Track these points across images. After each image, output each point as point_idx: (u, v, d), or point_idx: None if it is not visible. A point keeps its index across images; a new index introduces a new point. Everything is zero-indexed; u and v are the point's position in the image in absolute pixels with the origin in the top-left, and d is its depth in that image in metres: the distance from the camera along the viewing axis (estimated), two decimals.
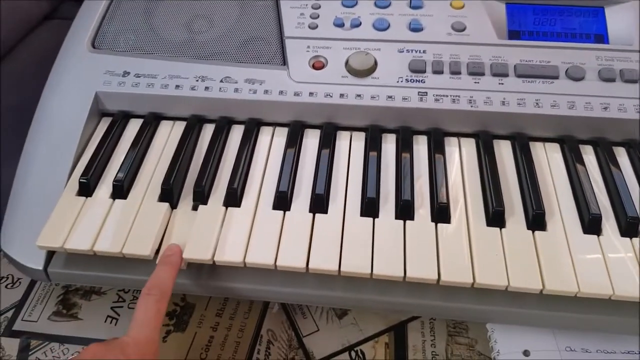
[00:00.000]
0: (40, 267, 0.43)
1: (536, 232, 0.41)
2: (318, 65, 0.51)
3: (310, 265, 0.40)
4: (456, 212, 0.43)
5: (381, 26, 0.53)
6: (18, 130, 0.50)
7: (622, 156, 0.47)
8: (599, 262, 0.40)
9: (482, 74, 0.49)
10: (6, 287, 0.49)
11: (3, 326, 0.46)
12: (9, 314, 0.47)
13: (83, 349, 0.36)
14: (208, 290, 0.43)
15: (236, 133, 0.50)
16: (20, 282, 0.50)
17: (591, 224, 0.41)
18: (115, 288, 0.49)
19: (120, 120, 0.51)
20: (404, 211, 0.42)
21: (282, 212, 0.43)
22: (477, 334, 0.45)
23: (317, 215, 0.43)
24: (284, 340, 0.45)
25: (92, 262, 0.43)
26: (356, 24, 0.53)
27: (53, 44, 0.55)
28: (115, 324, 0.46)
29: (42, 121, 0.50)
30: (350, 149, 0.49)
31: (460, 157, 0.47)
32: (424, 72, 0.49)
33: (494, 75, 0.49)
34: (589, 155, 0.48)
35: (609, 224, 0.42)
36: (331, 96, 0.49)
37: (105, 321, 0.47)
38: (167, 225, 0.43)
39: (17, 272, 0.50)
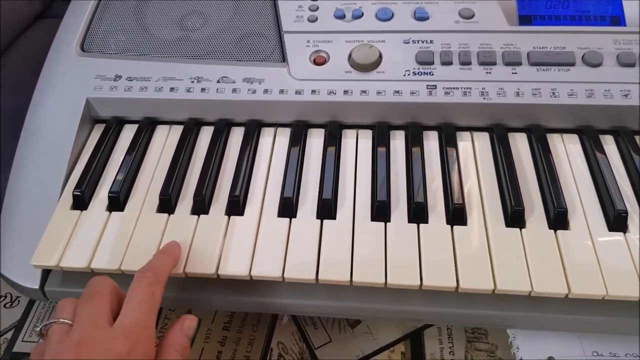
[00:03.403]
0: (37, 286, 0.41)
1: (558, 232, 0.39)
2: (319, 60, 0.48)
3: (320, 277, 0.37)
4: (472, 213, 0.41)
5: (384, 16, 0.50)
6: (15, 136, 0.48)
7: None
8: (627, 261, 0.37)
9: (494, 64, 0.46)
10: (5, 306, 0.48)
11: (3, 348, 0.44)
12: (9, 335, 0.45)
13: (72, 324, 0.32)
14: (213, 304, 0.41)
15: (236, 135, 0.48)
16: (19, 301, 0.48)
17: (617, 221, 0.39)
18: None
19: (113, 126, 0.48)
20: (417, 214, 0.40)
21: (288, 219, 0.41)
22: (498, 339, 0.43)
23: (325, 221, 0.41)
24: (295, 352, 0.43)
25: (90, 279, 0.41)
26: (358, 15, 0.50)
27: (47, 44, 0.52)
28: None
29: (32, 131, 0.48)
30: (357, 148, 0.46)
31: (474, 152, 0.45)
32: (432, 63, 0.47)
33: (507, 64, 0.46)
34: (610, 145, 0.45)
35: (636, 220, 0.40)
36: (335, 93, 0.46)
37: None
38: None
39: (15, 291, 0.48)
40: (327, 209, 0.41)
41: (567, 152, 0.45)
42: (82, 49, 0.51)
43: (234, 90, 0.47)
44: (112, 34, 0.51)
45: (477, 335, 0.43)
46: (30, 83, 0.50)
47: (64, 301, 0.34)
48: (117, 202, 0.43)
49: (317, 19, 0.50)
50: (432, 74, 0.46)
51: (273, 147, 0.47)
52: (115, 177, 0.44)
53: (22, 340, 0.45)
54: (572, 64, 0.46)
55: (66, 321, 0.33)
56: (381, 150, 0.45)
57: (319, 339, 0.44)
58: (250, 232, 0.40)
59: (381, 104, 0.46)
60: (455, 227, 0.40)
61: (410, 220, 0.40)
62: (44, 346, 0.33)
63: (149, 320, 0.32)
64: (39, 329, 0.33)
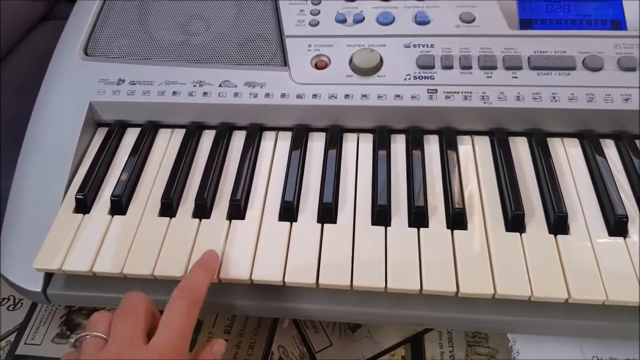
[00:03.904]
0: (39, 289, 0.41)
1: (559, 236, 0.39)
2: (321, 64, 0.48)
3: (320, 281, 0.38)
4: (473, 217, 0.41)
5: (385, 20, 0.50)
6: (18, 138, 0.48)
7: None
8: (627, 266, 0.37)
9: (495, 68, 0.46)
10: (7, 309, 0.48)
11: (5, 351, 0.45)
12: (12, 337, 0.46)
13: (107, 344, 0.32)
14: (214, 307, 0.41)
15: (237, 139, 0.48)
16: (22, 304, 0.48)
17: (617, 226, 0.39)
18: None
19: (116, 130, 0.49)
20: (418, 218, 0.40)
21: (288, 223, 0.41)
22: (498, 343, 0.43)
23: (325, 225, 0.41)
24: (296, 356, 0.43)
25: (93, 282, 0.41)
26: (359, 19, 0.50)
27: (50, 46, 0.53)
28: None
29: (36, 134, 0.48)
30: (357, 151, 0.46)
31: (475, 157, 0.45)
32: (433, 67, 0.47)
33: (507, 68, 0.46)
34: (610, 149, 0.45)
35: (636, 225, 0.40)
36: (336, 97, 0.46)
37: None
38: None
39: (18, 293, 0.48)
40: (327, 213, 0.41)
41: (568, 156, 0.45)
42: (86, 53, 0.51)
43: (236, 94, 0.47)
44: (116, 38, 0.52)
45: (477, 340, 0.43)
46: (33, 86, 0.50)
47: (99, 314, 0.34)
48: (119, 206, 0.43)
49: (318, 23, 0.51)
50: (433, 78, 0.46)
51: (274, 150, 0.47)
52: (118, 180, 0.44)
53: (25, 343, 0.45)
54: (573, 68, 0.46)
55: (102, 335, 0.33)
56: (382, 154, 0.45)
57: (320, 342, 0.44)
58: (251, 236, 0.40)
59: (382, 108, 0.46)
60: (455, 231, 0.40)
61: (410, 225, 0.40)
62: (75, 356, 0.33)
63: (182, 343, 0.32)
64: (72, 339, 0.33)
